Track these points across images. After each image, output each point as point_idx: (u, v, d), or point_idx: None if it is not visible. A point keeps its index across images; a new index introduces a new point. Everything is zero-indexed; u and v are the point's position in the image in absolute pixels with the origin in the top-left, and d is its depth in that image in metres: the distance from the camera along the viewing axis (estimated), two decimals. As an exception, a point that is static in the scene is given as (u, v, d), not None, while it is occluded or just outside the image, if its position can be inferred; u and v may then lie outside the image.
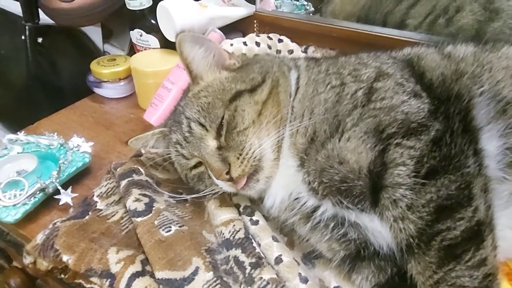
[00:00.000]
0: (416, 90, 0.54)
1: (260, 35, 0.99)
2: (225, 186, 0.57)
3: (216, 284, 0.52)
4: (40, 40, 1.07)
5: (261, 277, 0.51)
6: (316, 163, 0.52)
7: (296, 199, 0.56)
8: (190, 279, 0.52)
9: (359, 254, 0.53)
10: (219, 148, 0.56)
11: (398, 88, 0.54)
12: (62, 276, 0.59)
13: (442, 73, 0.56)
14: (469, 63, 0.57)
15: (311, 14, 1.09)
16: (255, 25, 1.09)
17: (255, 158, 0.54)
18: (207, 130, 0.57)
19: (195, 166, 0.60)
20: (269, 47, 0.96)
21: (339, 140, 0.51)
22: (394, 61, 0.61)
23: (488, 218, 0.46)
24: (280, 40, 1.00)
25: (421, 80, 0.56)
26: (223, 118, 0.56)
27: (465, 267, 0.43)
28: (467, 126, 0.51)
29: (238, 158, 0.54)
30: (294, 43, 1.00)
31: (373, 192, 0.49)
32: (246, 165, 0.54)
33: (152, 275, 0.54)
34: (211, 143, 0.57)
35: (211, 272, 0.53)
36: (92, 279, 0.55)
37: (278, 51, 0.98)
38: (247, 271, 0.53)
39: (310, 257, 0.59)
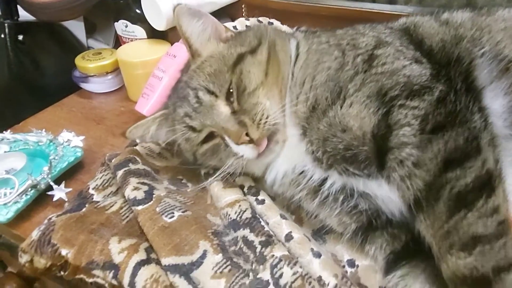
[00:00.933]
0: (417, 56, 0.53)
1: (250, 19, 0.97)
2: (247, 151, 0.54)
3: (226, 266, 0.49)
4: (20, 37, 1.02)
5: (273, 255, 0.49)
6: (319, 132, 0.51)
7: (301, 173, 0.54)
8: (198, 262, 0.50)
9: (371, 225, 0.52)
10: (234, 112, 0.54)
11: (398, 54, 0.53)
12: (62, 273, 0.56)
13: (442, 39, 0.56)
14: (467, 27, 0.57)
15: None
16: (243, 9, 1.06)
17: (269, 119, 0.53)
18: (216, 96, 0.55)
19: (206, 140, 0.57)
20: (260, 30, 0.94)
21: (341, 107, 0.50)
22: (391, 30, 0.60)
23: (498, 170, 0.45)
24: (270, 23, 0.98)
25: (420, 47, 0.56)
26: (230, 83, 0.54)
27: (478, 213, 0.41)
28: (470, 86, 0.51)
29: (253, 121, 0.53)
30: (284, 25, 0.98)
31: (378, 156, 0.48)
32: (264, 127, 0.53)
33: (158, 263, 0.51)
34: (224, 109, 0.55)
35: (220, 254, 0.51)
36: (95, 272, 0.52)
37: (269, 34, 0.96)
38: (258, 249, 0.51)
39: (320, 233, 0.57)
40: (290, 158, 0.55)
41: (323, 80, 0.52)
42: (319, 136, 0.51)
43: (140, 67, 0.94)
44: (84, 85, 1.03)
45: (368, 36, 0.57)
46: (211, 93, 0.55)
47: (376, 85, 0.50)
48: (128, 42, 1.04)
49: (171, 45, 0.95)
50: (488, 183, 0.43)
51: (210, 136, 0.57)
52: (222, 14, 1.04)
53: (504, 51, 0.53)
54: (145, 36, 1.01)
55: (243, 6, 1.06)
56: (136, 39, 1.02)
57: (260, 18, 0.98)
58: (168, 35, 1.00)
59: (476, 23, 0.57)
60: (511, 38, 0.54)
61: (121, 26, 1.02)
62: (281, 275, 0.47)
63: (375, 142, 0.48)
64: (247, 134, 0.52)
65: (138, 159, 0.68)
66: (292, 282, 0.46)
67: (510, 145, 0.50)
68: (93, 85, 1.03)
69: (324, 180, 0.53)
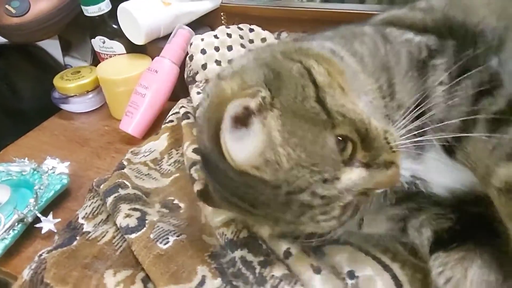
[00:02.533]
0: (414, 32, 0.54)
1: (230, 26, 0.95)
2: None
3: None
4: (-6, 62, 0.99)
5: (273, 275, 0.49)
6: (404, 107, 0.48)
7: None
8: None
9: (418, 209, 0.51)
10: (368, 165, 0.41)
11: (401, 31, 0.54)
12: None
13: (432, 18, 0.56)
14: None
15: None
16: (222, 17, 1.05)
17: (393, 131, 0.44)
18: (337, 178, 0.39)
19: (344, 211, 0.42)
20: (241, 37, 0.93)
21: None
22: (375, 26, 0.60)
23: None
24: (251, 30, 0.97)
25: (413, 28, 0.56)
26: (347, 142, 0.40)
27: None
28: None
29: (393, 150, 0.42)
30: (266, 31, 0.97)
31: None
32: (398, 148, 0.43)
33: (158, 295, 0.50)
34: (357, 174, 0.40)
35: (219, 279, 0.50)
36: (93, 308, 0.50)
37: (251, 41, 0.95)
38: (257, 270, 0.50)
39: (320, 247, 0.57)
40: None
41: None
42: None
43: (122, 84, 0.91)
44: (64, 106, 1.00)
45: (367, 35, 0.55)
46: (328, 180, 0.39)
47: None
48: (107, 58, 1.01)
49: (152, 59, 0.93)
50: None
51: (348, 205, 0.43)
52: (200, 23, 1.03)
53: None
54: (124, 51, 0.99)
55: (221, 14, 1.04)
56: (115, 54, 1.00)
57: (241, 25, 0.97)
58: (148, 49, 0.98)
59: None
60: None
61: (99, 43, 0.99)
62: (282, 296, 0.47)
63: None
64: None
65: (127, 183, 0.66)
66: (294, 302, 0.46)
67: None
68: (74, 106, 1.00)
69: None
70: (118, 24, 0.93)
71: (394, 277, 0.50)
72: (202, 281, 0.50)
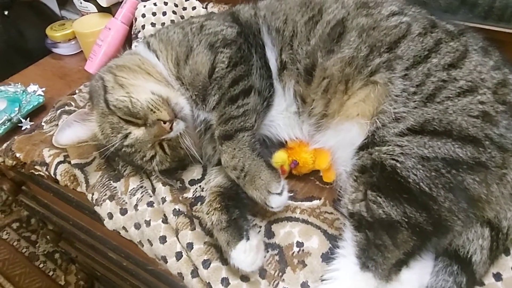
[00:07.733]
0: (229, 23, 0.85)
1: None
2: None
3: (104, 164, 0.85)
4: (6, 12, 1.36)
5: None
6: (185, 80, 0.81)
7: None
8: (90, 162, 0.86)
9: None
10: (144, 125, 0.76)
11: (218, 22, 0.85)
12: (23, 170, 0.95)
13: (249, 15, 0.88)
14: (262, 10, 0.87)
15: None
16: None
17: None
18: (128, 133, 0.75)
19: (154, 153, 0.78)
20: (176, 5, 1.22)
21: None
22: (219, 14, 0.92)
23: (258, 88, 0.77)
24: (187, -1, 1.25)
25: (235, 20, 0.87)
26: None
27: (236, 106, 0.74)
28: (258, 43, 0.82)
29: (155, 113, 0.75)
30: (197, 0, 1.25)
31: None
32: (162, 110, 0.76)
33: (69, 163, 0.88)
34: (138, 131, 0.75)
35: (103, 161, 0.87)
36: (36, 167, 0.90)
37: (184, 8, 1.24)
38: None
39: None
40: None
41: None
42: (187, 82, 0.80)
43: (90, 36, 1.25)
44: (54, 50, 1.37)
45: (198, 18, 0.89)
46: (126, 136, 0.75)
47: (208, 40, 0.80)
48: (85, 14, 1.35)
49: (113, 18, 1.25)
50: (248, 92, 0.75)
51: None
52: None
53: (273, 23, 0.83)
54: (96, 10, 1.32)
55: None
56: (89, 12, 1.33)
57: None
58: (112, 10, 1.30)
59: (267, 7, 0.87)
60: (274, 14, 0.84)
61: (77, 2, 1.32)
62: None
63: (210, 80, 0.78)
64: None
65: (72, 103, 1.03)
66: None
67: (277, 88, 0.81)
68: (61, 49, 1.37)
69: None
70: (91, -11, 1.25)
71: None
72: (93, 159, 0.87)
